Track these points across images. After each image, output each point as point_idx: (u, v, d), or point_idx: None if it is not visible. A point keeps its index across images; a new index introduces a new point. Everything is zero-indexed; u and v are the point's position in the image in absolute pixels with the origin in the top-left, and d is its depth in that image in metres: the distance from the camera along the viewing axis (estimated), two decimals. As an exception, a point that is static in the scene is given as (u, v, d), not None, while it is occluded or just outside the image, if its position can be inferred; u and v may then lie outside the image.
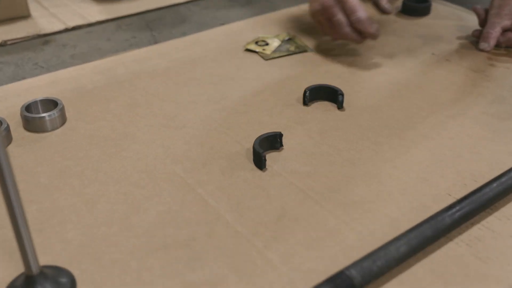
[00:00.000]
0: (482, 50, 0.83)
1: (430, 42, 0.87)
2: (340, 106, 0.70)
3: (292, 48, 0.85)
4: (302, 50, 0.84)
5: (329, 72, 0.78)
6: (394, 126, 0.66)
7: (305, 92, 0.70)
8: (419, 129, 0.66)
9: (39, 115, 0.64)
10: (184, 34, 0.91)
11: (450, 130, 0.66)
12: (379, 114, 0.69)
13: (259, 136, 0.61)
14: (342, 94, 0.69)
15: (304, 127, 0.66)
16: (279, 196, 0.55)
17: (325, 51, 0.84)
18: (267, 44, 0.86)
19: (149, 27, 0.93)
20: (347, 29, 0.75)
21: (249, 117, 0.68)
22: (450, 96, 0.73)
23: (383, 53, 0.85)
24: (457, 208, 0.51)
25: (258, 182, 0.57)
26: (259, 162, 0.59)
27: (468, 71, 0.79)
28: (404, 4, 0.96)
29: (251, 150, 0.61)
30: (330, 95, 0.71)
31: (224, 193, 0.55)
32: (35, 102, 0.67)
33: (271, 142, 0.62)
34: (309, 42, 0.86)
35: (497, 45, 0.83)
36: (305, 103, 0.70)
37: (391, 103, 0.72)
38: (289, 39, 0.88)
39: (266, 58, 0.83)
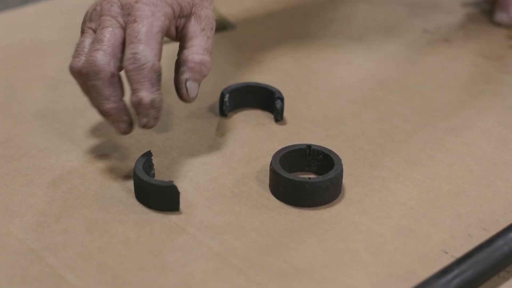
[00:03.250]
0: (499, 24, 0.88)
1: (421, 13, 0.92)
2: (279, 118, 0.72)
3: (204, 25, 0.87)
4: (218, 26, 0.85)
5: (262, 63, 0.81)
6: (362, 147, 0.70)
7: (222, 95, 0.73)
8: (401, 151, 0.69)
9: None
10: (25, 0, 0.92)
11: (449, 151, 0.69)
12: (340, 129, 0.72)
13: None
14: (282, 99, 0.72)
15: (222, 153, 0.68)
16: (182, 265, 0.57)
17: (256, 29, 0.86)
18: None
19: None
20: (111, 105, 0.63)
21: (133, 138, 0.70)
22: (450, 97, 0.78)
23: (348, 31, 0.89)
24: (456, 272, 0.54)
25: (147, 243, 0.58)
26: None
27: (478, 57, 0.84)
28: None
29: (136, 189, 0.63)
30: (263, 100, 0.74)
31: (91, 262, 0.56)
32: None
33: (168, 177, 0.64)
34: (231, 13, 0.88)
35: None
36: (223, 113, 0.73)
37: (359, 111, 0.75)
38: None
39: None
